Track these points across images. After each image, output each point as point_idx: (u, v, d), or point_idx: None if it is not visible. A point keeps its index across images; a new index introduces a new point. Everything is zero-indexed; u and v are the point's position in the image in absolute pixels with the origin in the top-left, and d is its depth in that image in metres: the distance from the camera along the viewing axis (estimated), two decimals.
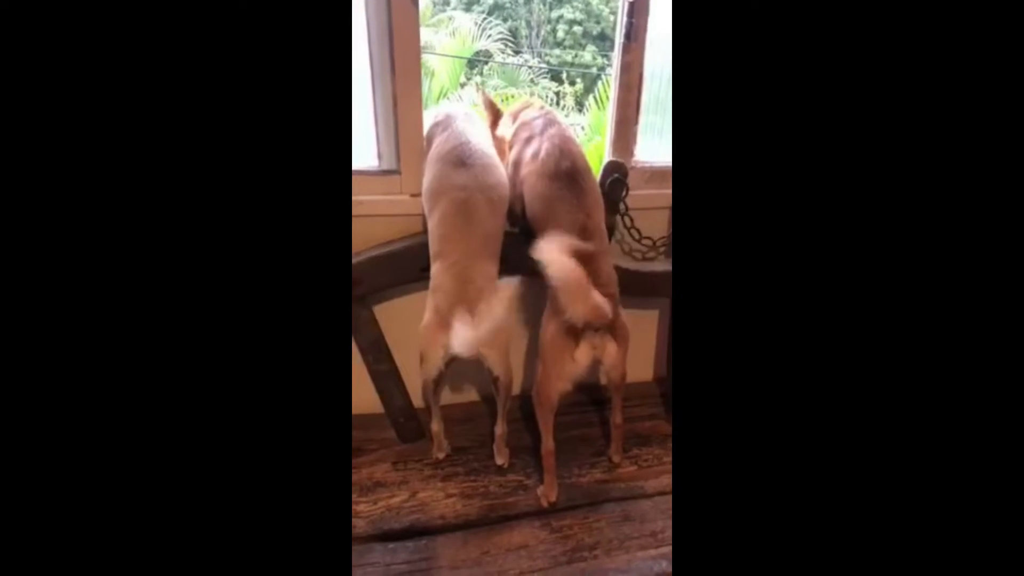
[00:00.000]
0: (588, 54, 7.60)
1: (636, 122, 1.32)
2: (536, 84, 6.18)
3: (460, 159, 1.08)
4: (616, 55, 1.27)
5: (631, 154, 1.34)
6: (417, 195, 1.19)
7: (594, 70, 7.03)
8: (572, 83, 6.70)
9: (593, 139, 3.70)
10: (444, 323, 1.02)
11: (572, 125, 4.80)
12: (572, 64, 7.29)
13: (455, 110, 1.20)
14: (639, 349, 1.43)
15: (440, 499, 1.14)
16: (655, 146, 1.38)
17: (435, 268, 1.06)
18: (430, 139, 1.16)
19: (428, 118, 1.19)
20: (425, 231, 1.15)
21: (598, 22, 7.70)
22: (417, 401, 1.29)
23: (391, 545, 1.03)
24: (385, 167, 1.21)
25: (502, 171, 1.13)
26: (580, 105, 5.88)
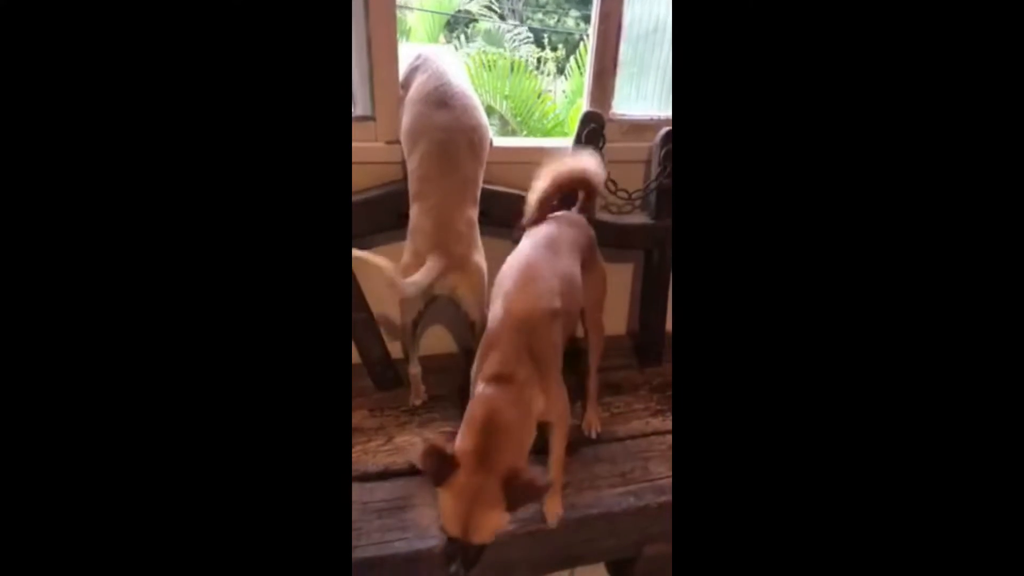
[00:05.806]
0: (571, 19, 7.43)
1: (614, 74, 1.31)
2: (518, 49, 6.04)
3: (441, 99, 1.06)
4: (595, 4, 1.26)
5: (609, 106, 1.33)
6: (393, 142, 1.17)
7: (576, 35, 6.89)
8: (554, 48, 6.57)
9: (575, 102, 3.68)
10: (423, 265, 1.02)
11: (550, 91, 4.73)
12: (554, 30, 7.13)
13: (431, 50, 1.18)
14: (614, 303, 1.46)
15: (417, 444, 1.15)
16: (632, 99, 1.38)
17: (414, 210, 1.06)
18: (408, 82, 1.14)
19: (403, 59, 1.17)
20: (402, 179, 1.14)
21: None
22: (395, 351, 1.30)
23: (368, 484, 1.05)
24: (360, 113, 1.19)
25: (482, 113, 1.12)
26: (561, 70, 5.78)
